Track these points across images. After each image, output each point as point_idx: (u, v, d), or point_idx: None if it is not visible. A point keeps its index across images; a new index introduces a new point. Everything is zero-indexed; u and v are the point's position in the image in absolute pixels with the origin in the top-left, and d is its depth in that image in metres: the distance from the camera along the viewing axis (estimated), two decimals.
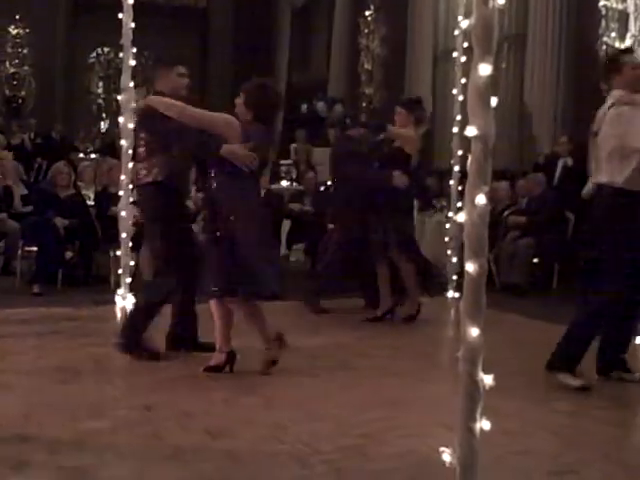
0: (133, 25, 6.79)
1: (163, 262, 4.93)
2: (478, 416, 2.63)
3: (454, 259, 7.49)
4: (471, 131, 2.57)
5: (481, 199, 2.58)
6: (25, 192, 8.87)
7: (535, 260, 8.42)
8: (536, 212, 8.51)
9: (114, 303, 6.56)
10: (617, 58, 4.78)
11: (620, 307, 4.46)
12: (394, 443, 3.54)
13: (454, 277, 7.42)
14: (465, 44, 7.52)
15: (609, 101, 4.56)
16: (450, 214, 7.81)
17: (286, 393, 4.35)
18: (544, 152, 9.96)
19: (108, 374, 4.70)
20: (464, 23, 7.33)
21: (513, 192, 9.18)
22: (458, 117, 7.62)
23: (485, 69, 2.54)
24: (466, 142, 2.71)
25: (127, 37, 6.84)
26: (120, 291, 6.59)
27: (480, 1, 2.53)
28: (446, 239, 7.75)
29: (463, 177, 6.70)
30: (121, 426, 3.69)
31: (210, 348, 4.82)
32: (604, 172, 4.46)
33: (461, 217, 2.64)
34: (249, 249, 4.49)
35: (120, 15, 6.79)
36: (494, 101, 2.59)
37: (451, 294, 7.44)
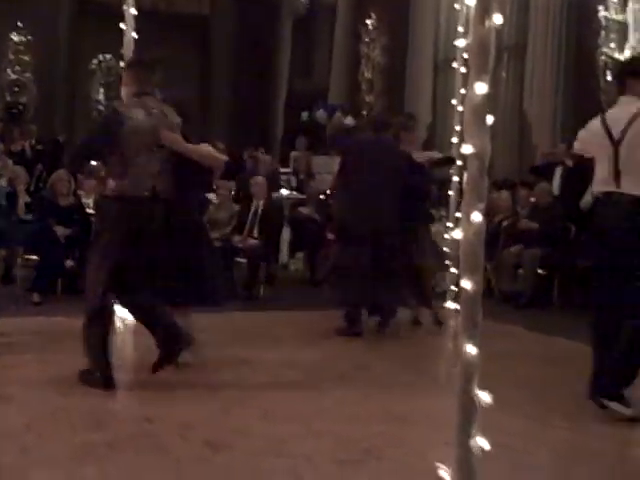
0: (134, 35, 6.83)
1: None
2: (474, 433, 2.65)
3: (453, 269, 7.49)
4: (467, 149, 2.59)
5: (477, 216, 2.60)
6: (28, 199, 8.90)
7: (540, 271, 8.40)
8: (543, 222, 8.49)
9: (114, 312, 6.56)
10: None
11: None
12: (393, 459, 3.55)
13: (453, 287, 7.42)
14: (465, 55, 7.54)
15: (626, 106, 4.34)
16: (449, 224, 7.82)
17: (285, 406, 4.35)
18: (540, 152, 9.96)
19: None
20: (461, 42, 7.37)
21: (513, 202, 9.18)
22: (457, 127, 7.63)
23: (481, 88, 2.56)
24: None
25: (128, 47, 6.87)
26: None
27: (477, 21, 2.56)
28: (445, 249, 7.75)
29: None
30: (121, 438, 3.70)
31: None
32: (631, 182, 4.25)
33: (457, 234, 2.66)
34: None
35: (122, 25, 6.83)
36: (490, 119, 2.61)
37: (450, 304, 7.44)
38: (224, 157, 5.05)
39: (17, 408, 4.12)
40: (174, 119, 4.77)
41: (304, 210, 9.89)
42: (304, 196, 10.53)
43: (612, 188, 4.29)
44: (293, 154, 12.93)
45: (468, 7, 2.64)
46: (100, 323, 4.59)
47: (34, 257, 7.73)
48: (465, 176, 2.63)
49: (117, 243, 4.50)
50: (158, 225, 4.59)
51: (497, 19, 2.57)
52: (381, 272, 6.29)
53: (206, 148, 4.84)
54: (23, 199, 8.77)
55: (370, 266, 6.25)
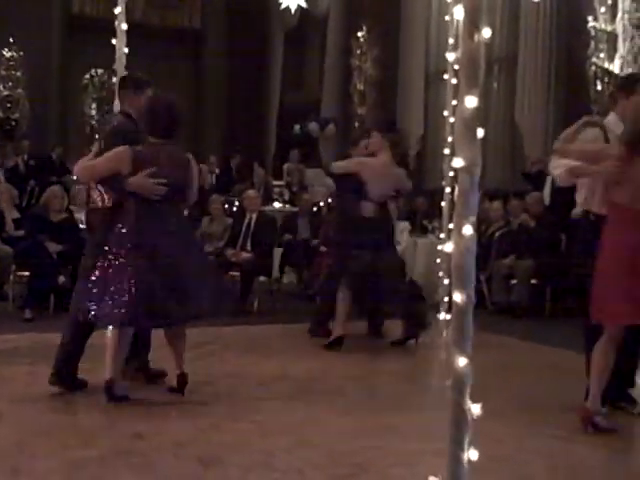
0: (126, 50, 6.84)
1: None
2: (466, 445, 2.64)
3: (446, 281, 7.49)
4: (457, 162, 2.59)
5: (468, 230, 2.60)
6: (18, 216, 8.87)
7: (533, 281, 8.41)
8: (534, 232, 8.51)
9: (106, 328, 6.53)
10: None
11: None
12: (386, 472, 3.54)
13: (446, 299, 7.42)
14: (456, 66, 7.57)
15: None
16: (442, 235, 7.82)
17: (277, 419, 4.34)
18: (531, 160, 9.98)
19: (99, 401, 4.67)
20: (451, 56, 7.40)
21: (505, 212, 9.21)
22: (449, 138, 7.65)
23: (472, 101, 2.57)
24: None
25: (120, 62, 6.85)
26: None
27: (466, 35, 2.56)
28: (438, 260, 7.76)
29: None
30: (112, 455, 3.67)
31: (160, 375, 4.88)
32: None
33: (448, 247, 2.66)
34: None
35: (114, 41, 6.83)
36: (481, 132, 2.62)
37: (443, 316, 7.44)
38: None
39: (8, 425, 4.09)
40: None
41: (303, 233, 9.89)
42: (297, 209, 10.53)
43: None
44: (286, 167, 12.95)
45: (458, 20, 2.64)
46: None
47: (26, 273, 7.70)
48: (456, 189, 2.63)
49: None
50: None
51: (486, 33, 2.58)
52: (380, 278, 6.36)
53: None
54: (10, 216, 8.74)
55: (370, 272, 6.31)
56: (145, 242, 4.42)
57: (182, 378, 4.61)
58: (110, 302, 4.35)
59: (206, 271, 4.80)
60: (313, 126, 13.43)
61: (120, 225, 4.48)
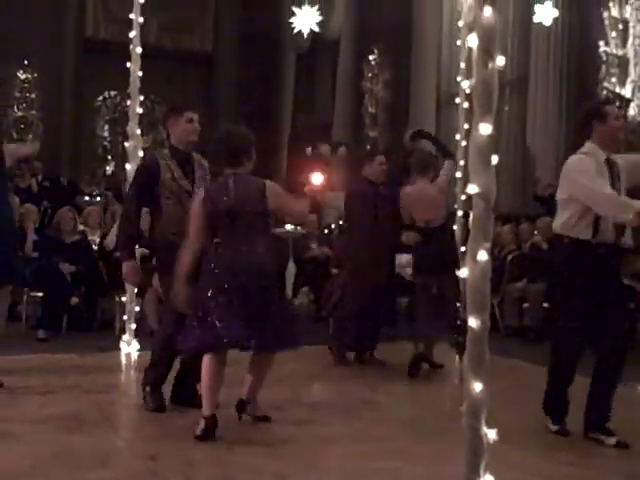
0: (140, 73, 6.92)
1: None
2: (482, 471, 2.65)
3: (458, 304, 7.49)
4: (472, 189, 2.62)
5: (482, 255, 2.63)
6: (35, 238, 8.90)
7: (545, 305, 8.38)
8: (545, 255, 8.49)
9: (119, 349, 6.58)
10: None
11: None
12: None
13: (458, 322, 7.40)
14: (468, 90, 7.61)
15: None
16: None
17: (289, 442, 4.33)
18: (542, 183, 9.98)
19: (113, 423, 4.70)
20: (465, 83, 7.45)
21: (516, 236, 9.20)
22: (461, 162, 7.68)
23: (486, 128, 2.60)
24: None
25: (134, 85, 6.96)
26: (125, 337, 6.62)
27: (480, 63, 2.60)
28: None
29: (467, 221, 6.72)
30: (125, 476, 3.69)
31: None
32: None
33: (463, 273, 2.68)
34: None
35: (128, 64, 6.92)
36: (495, 159, 2.65)
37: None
38: None
39: (22, 447, 4.10)
40: None
41: (315, 250, 9.88)
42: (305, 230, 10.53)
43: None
44: None
45: (470, 47, 2.67)
46: None
47: (39, 294, 7.74)
48: (471, 215, 2.66)
49: None
50: None
51: (500, 61, 2.62)
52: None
53: None
54: (32, 237, 8.78)
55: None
56: (234, 281, 4.36)
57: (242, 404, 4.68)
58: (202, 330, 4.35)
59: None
60: (325, 148, 13.46)
61: (212, 265, 4.41)
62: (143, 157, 5.26)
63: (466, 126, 7.76)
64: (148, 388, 4.86)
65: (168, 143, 5.10)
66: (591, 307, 4.38)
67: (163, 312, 5.22)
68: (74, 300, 7.75)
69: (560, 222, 4.55)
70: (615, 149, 4.57)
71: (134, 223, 4.89)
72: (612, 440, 4.36)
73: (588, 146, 4.49)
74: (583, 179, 4.35)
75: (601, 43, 9.56)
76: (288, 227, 11.28)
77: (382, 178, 6.68)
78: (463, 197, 7.57)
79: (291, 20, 10.47)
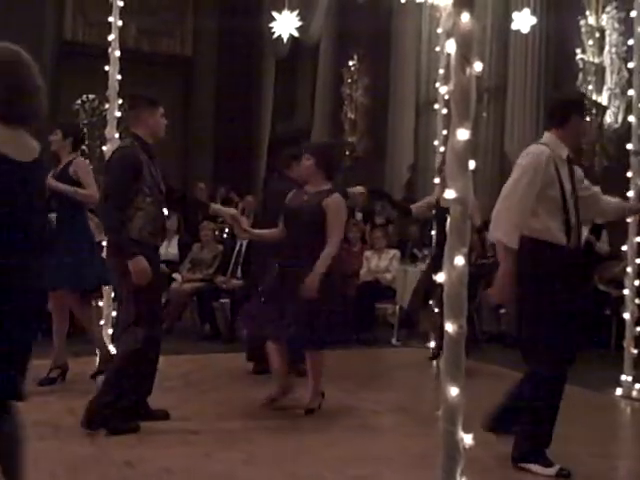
0: (119, 77, 6.88)
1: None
2: (458, 476, 2.64)
3: (436, 309, 7.51)
4: (450, 194, 2.62)
5: (460, 260, 2.63)
6: None
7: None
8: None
9: (95, 355, 6.51)
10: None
11: None
12: None
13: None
14: (447, 96, 7.65)
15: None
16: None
17: (267, 449, 4.32)
18: None
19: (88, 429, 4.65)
20: (443, 89, 7.49)
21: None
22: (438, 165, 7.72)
23: (463, 134, 2.60)
24: None
25: (113, 89, 6.91)
26: None
27: (458, 68, 2.60)
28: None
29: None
30: None
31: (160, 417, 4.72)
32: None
33: (440, 277, 2.68)
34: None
35: (107, 67, 6.88)
36: (472, 164, 2.65)
37: (433, 344, 7.45)
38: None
39: None
40: None
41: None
42: None
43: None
44: None
45: (449, 53, 2.68)
46: None
47: None
48: (448, 220, 2.66)
49: None
50: None
51: (477, 66, 2.62)
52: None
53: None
54: None
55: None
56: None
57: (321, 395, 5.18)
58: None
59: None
60: None
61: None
62: (121, 151, 4.76)
63: (444, 132, 7.81)
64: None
65: (133, 135, 4.78)
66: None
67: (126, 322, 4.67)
68: (50, 306, 7.66)
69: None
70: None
71: (125, 223, 4.57)
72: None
73: (549, 138, 4.17)
74: (519, 174, 4.06)
75: (578, 51, 9.63)
76: None
77: None
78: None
79: (271, 25, 10.45)
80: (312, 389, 5.12)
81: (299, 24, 10.29)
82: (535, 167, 4.04)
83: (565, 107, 4.22)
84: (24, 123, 2.85)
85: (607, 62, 9.38)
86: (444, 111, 7.87)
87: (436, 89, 8.28)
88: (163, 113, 4.90)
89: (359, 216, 10.82)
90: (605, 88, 9.38)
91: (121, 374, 4.57)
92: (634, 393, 5.94)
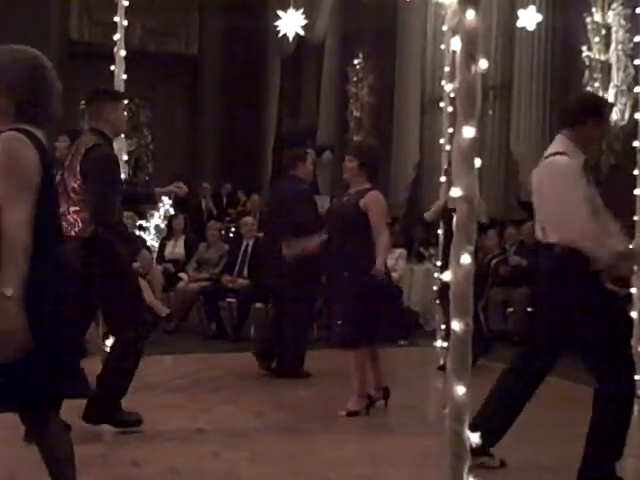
0: (125, 76, 6.87)
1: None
2: (465, 475, 2.63)
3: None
4: (455, 192, 2.61)
5: (466, 259, 2.61)
6: None
7: (529, 309, 8.39)
8: (530, 260, 8.51)
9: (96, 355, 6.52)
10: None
11: None
12: None
13: (442, 326, 7.41)
14: (452, 94, 7.63)
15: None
16: (438, 263, 7.83)
17: (272, 448, 4.32)
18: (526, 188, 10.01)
19: (94, 427, 4.65)
20: (449, 87, 7.47)
21: (501, 240, 9.21)
22: (445, 165, 7.70)
23: (469, 132, 2.59)
24: None
25: (119, 88, 6.90)
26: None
27: (463, 66, 2.59)
28: (434, 288, 7.77)
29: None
30: None
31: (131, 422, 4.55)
32: None
33: (446, 276, 2.67)
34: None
35: (112, 67, 6.87)
36: (478, 162, 2.64)
37: (439, 343, 7.44)
38: None
39: (1, 453, 4.05)
40: None
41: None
42: None
43: None
44: None
45: (454, 50, 2.67)
46: None
47: None
48: (454, 218, 2.65)
49: None
50: None
51: (483, 64, 2.61)
52: None
53: None
54: None
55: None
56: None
57: (387, 391, 5.25)
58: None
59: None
60: (327, 155, 13.42)
61: None
62: (101, 149, 4.48)
63: (450, 130, 7.79)
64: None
65: (95, 131, 4.62)
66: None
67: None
68: None
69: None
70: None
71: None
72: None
73: (567, 145, 3.82)
74: (570, 189, 3.71)
75: (584, 48, 9.60)
76: None
77: None
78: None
79: (276, 23, 10.43)
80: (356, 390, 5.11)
81: (304, 22, 10.26)
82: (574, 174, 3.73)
83: (580, 111, 3.88)
84: (46, 125, 2.86)
85: (613, 59, 9.34)
86: (450, 109, 7.84)
87: (441, 87, 8.25)
88: (124, 107, 4.80)
89: None
90: (611, 85, 9.35)
91: (119, 370, 4.56)
92: None
